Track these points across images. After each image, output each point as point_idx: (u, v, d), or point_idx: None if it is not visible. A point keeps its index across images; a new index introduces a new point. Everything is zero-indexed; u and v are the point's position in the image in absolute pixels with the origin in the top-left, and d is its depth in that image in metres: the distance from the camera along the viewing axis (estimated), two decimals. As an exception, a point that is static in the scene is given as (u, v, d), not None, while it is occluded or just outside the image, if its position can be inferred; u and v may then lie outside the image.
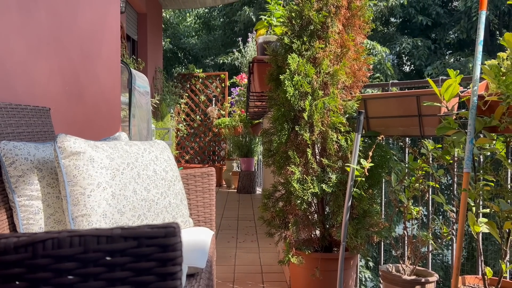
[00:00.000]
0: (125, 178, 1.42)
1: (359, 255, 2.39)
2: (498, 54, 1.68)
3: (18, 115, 1.56)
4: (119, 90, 3.03)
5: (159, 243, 0.64)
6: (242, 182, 6.85)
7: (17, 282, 0.63)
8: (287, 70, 2.13)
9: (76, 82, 2.31)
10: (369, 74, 2.31)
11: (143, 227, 0.65)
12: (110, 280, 0.64)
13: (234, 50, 8.21)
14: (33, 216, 1.36)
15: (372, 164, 2.06)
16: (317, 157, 2.25)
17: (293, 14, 2.21)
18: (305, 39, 2.16)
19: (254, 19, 12.86)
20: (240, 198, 6.39)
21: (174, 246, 0.64)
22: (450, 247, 2.35)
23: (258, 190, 7.08)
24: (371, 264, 8.20)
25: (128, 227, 0.65)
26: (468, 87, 2.02)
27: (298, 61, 2.11)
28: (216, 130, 8.20)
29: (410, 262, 2.15)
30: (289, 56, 2.12)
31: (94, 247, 0.63)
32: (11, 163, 1.34)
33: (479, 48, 1.71)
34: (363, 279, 7.52)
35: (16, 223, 1.35)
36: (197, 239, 1.54)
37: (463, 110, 1.86)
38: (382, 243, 2.58)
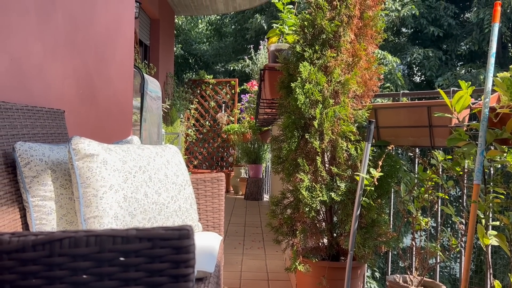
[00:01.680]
0: (137, 181, 1.44)
1: (366, 265, 2.38)
2: (510, 66, 1.68)
3: (33, 117, 1.59)
4: (132, 94, 3.06)
5: (172, 245, 0.65)
6: (250, 188, 6.86)
7: (34, 280, 0.65)
8: (299, 78, 2.14)
9: (89, 86, 2.35)
10: (379, 84, 2.32)
11: (157, 229, 0.66)
12: (124, 280, 0.65)
13: (245, 57, 8.25)
14: (45, 216, 1.39)
15: (381, 174, 2.06)
16: (326, 165, 2.26)
17: (305, 23, 2.22)
18: (317, 47, 2.18)
19: (265, 27, 12.93)
20: (248, 205, 6.39)
21: (187, 248, 0.66)
22: (458, 260, 2.34)
23: (266, 197, 7.08)
24: (377, 274, 8.13)
25: (143, 228, 0.66)
26: (480, 98, 2.02)
27: (310, 70, 2.13)
28: (225, 136, 8.23)
29: (417, 273, 2.14)
30: (300, 64, 2.14)
31: (109, 247, 0.65)
32: (26, 163, 1.36)
33: (491, 60, 1.71)
34: (369, 290, 7.46)
35: (29, 223, 1.38)
36: (206, 244, 1.55)
37: (474, 122, 1.86)
38: (390, 253, 2.57)
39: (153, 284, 0.66)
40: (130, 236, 0.65)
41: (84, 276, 0.65)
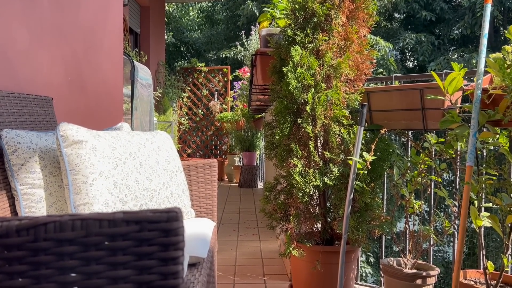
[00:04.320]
0: (127, 167, 1.42)
1: (360, 249, 2.39)
2: (503, 47, 1.67)
3: (20, 104, 1.56)
4: (122, 81, 3.02)
5: (161, 227, 0.64)
6: (244, 176, 6.86)
7: (19, 265, 0.63)
8: (290, 63, 2.12)
9: (78, 73, 2.31)
10: (372, 68, 2.30)
11: (145, 212, 0.64)
12: (112, 264, 0.64)
13: (237, 43, 8.18)
14: (35, 204, 1.36)
15: (374, 158, 2.05)
16: (319, 150, 2.25)
17: (296, 6, 2.19)
18: (308, 31, 2.15)
19: (257, 13, 12.81)
20: (242, 192, 6.40)
21: (176, 230, 0.64)
22: (451, 244, 2.35)
23: (260, 185, 7.09)
24: (372, 259, 8.21)
25: (130, 211, 0.64)
26: (472, 80, 2.01)
27: (301, 54, 2.10)
28: (218, 124, 8.21)
29: (411, 256, 2.15)
30: (292, 48, 2.11)
31: (96, 230, 0.63)
32: (13, 151, 1.34)
33: (484, 41, 1.70)
34: (364, 274, 7.53)
35: (18, 211, 1.36)
36: (198, 229, 1.54)
37: (466, 104, 1.85)
38: (383, 238, 2.58)
39: (141, 267, 0.64)
40: (117, 220, 0.64)
41: (71, 261, 0.63)
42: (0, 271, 0.63)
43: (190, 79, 8.41)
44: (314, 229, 2.33)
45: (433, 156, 2.11)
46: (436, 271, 2.04)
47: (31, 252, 0.63)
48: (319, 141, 2.26)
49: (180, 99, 8.22)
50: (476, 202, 1.83)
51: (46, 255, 0.63)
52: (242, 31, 7.99)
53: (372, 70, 2.31)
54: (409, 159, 2.17)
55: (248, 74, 6.75)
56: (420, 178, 2.12)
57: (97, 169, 1.34)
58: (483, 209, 1.90)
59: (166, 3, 8.93)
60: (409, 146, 2.42)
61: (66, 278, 0.63)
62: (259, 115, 6.56)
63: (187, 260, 1.30)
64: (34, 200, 1.36)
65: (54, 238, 0.63)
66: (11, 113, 1.49)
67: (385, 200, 2.56)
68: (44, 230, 0.63)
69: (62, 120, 2.03)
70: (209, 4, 15.97)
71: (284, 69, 2.12)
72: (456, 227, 2.12)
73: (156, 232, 0.64)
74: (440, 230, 2.11)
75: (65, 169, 1.33)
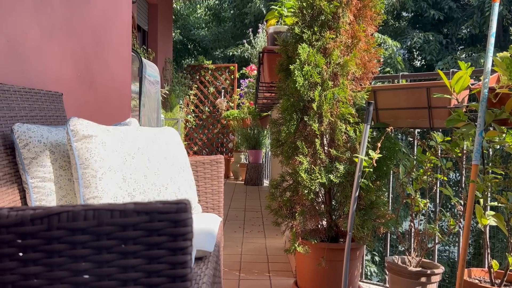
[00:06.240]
0: (135, 162, 1.44)
1: (365, 247, 2.40)
2: (510, 46, 1.67)
3: (31, 99, 1.59)
4: (130, 78, 3.05)
5: (170, 218, 0.66)
6: (250, 174, 6.88)
7: (33, 253, 0.65)
8: (297, 60, 2.13)
9: (87, 69, 2.33)
10: (379, 66, 2.31)
11: (155, 203, 0.66)
12: (122, 253, 0.66)
13: (244, 41, 8.18)
14: (45, 197, 1.39)
15: (380, 156, 2.06)
16: (325, 147, 2.26)
17: (304, 4, 2.20)
18: (315, 29, 2.16)
19: (264, 11, 12.81)
20: (248, 190, 6.42)
21: (185, 221, 0.66)
22: (456, 243, 2.35)
23: (266, 183, 7.10)
24: (377, 258, 8.20)
25: (140, 202, 0.66)
26: (479, 79, 2.01)
27: (309, 51, 2.12)
28: (225, 122, 8.23)
29: (416, 254, 2.16)
30: (299, 46, 2.12)
31: (107, 220, 0.65)
32: (24, 145, 1.36)
33: (491, 40, 1.70)
34: (369, 274, 7.53)
35: (29, 204, 1.38)
36: (205, 224, 1.56)
37: (473, 103, 1.86)
38: (389, 237, 2.58)
39: (151, 257, 0.66)
40: (128, 210, 0.65)
41: (83, 250, 0.65)
42: (14, 258, 0.65)
43: (197, 77, 8.44)
44: (319, 226, 2.34)
45: (439, 154, 2.11)
46: (441, 269, 2.05)
47: (45, 241, 0.65)
48: (325, 139, 2.27)
49: (187, 96, 8.25)
50: (481, 200, 1.83)
51: (59, 244, 0.65)
52: (249, 29, 8.00)
53: (379, 68, 2.31)
54: (415, 157, 2.18)
55: (255, 72, 6.77)
56: (425, 177, 2.12)
57: (106, 164, 1.36)
58: (488, 208, 1.90)
59: (173, 1, 8.96)
60: (415, 144, 2.42)
61: (78, 266, 0.66)
62: (266, 113, 6.58)
63: (194, 254, 1.32)
64: (44, 193, 1.39)
65: (67, 227, 0.65)
66: (22, 107, 1.52)
67: (390, 199, 2.56)
68: (58, 219, 0.65)
69: (72, 115, 2.06)
70: (217, 1, 15.99)
71: (291, 66, 2.13)
72: (461, 226, 2.12)
73: (166, 222, 0.66)
74: (446, 230, 2.12)
75: (75, 163, 1.35)
